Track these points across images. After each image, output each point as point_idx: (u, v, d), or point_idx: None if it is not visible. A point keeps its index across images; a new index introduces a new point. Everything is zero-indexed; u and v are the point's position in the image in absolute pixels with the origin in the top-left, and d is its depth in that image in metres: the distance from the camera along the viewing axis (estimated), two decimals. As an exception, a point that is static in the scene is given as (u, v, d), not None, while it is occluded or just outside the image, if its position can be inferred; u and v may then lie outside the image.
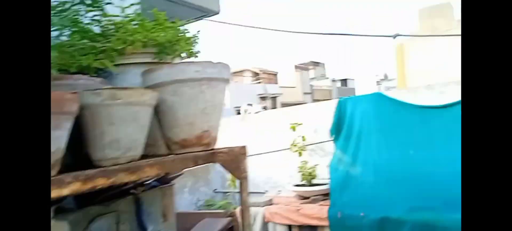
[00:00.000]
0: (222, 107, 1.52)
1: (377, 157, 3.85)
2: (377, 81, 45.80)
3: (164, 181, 1.77)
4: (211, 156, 1.44)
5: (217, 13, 4.16)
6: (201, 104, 1.39)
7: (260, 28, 3.68)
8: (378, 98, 4.26)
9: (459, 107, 3.61)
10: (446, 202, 3.07)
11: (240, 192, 1.60)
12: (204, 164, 1.43)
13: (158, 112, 1.39)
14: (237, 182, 4.68)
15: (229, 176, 5.00)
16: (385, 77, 49.18)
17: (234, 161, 1.51)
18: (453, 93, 3.79)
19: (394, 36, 2.66)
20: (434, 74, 10.16)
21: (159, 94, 1.34)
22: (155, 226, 1.59)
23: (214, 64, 1.42)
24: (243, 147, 1.57)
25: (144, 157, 1.26)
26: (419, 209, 3.17)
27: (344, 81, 40.34)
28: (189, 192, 5.20)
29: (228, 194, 5.27)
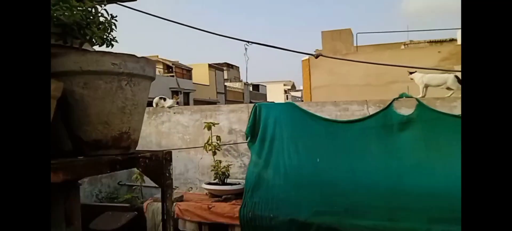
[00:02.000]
0: (144, 107, 1.38)
1: (288, 162, 4.12)
2: (285, 91, 48.71)
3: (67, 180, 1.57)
4: (131, 161, 1.30)
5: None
6: (120, 102, 1.23)
7: (180, 24, 3.50)
8: (291, 108, 4.56)
9: (360, 124, 4.10)
10: (346, 209, 3.46)
11: (162, 201, 1.47)
12: (123, 169, 1.30)
13: (63, 105, 1.19)
14: (146, 177, 4.42)
15: (136, 169, 4.74)
16: (293, 88, 52.61)
17: (158, 167, 1.38)
18: (356, 110, 4.29)
19: (317, 56, 2.90)
20: (336, 91, 11.26)
21: (65, 86, 1.16)
22: (57, 233, 1.36)
23: (137, 59, 1.26)
24: (168, 152, 1.44)
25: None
26: (324, 214, 3.49)
27: (256, 86, 41.74)
28: (88, 182, 4.77)
29: (134, 187, 4.99)
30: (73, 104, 1.18)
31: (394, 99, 4.08)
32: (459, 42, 11.94)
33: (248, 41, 3.00)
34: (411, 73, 4.91)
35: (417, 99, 4.02)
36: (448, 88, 4.57)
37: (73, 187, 1.51)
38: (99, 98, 1.19)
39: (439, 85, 4.65)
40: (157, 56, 27.19)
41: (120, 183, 5.20)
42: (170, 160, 1.43)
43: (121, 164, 1.25)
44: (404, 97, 4.10)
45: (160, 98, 5.63)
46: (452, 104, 3.96)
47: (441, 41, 14.29)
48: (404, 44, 14.74)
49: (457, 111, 3.84)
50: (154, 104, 5.47)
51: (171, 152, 1.43)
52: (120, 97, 1.23)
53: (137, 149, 1.46)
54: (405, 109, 4.03)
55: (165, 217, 1.47)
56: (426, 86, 4.66)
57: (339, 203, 3.55)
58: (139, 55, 1.30)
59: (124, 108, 1.24)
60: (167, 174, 1.42)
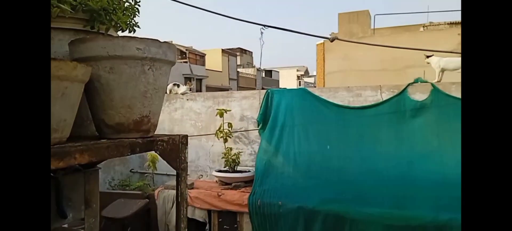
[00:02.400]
0: (164, 92, 1.42)
1: (298, 149, 4.09)
2: (298, 76, 48.30)
3: (87, 163, 1.62)
4: (150, 144, 1.32)
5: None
6: (142, 86, 1.26)
7: (190, 5, 3.40)
8: (303, 93, 4.50)
9: (372, 110, 4.01)
10: (354, 197, 3.42)
11: (177, 184, 1.51)
12: (142, 152, 1.33)
13: (89, 89, 1.23)
14: (158, 164, 4.51)
15: (148, 156, 4.81)
16: (306, 73, 52.10)
17: (174, 151, 1.41)
18: (369, 96, 4.20)
19: (332, 39, 2.81)
20: (350, 76, 11.07)
21: (93, 70, 1.19)
22: (76, 214, 1.44)
23: (160, 44, 1.29)
24: (185, 137, 1.48)
25: (70, 139, 1.12)
26: (332, 201, 3.47)
27: (268, 72, 41.51)
28: (102, 170, 4.86)
29: (146, 175, 5.07)
30: (98, 88, 1.23)
31: (408, 85, 3.97)
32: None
33: (264, 25, 2.94)
34: (428, 57, 4.74)
35: (432, 84, 3.89)
36: None
37: (93, 170, 1.58)
38: (123, 83, 1.22)
39: (456, 69, 4.48)
40: (171, 41, 27.25)
41: (132, 170, 5.29)
42: (186, 144, 1.47)
43: (141, 147, 1.27)
44: (419, 82, 3.98)
45: (174, 84, 5.64)
46: (469, 89, 3.81)
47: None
48: (423, 26, 14.29)
49: (474, 96, 3.70)
50: (167, 91, 5.49)
51: (187, 136, 1.48)
52: (143, 82, 1.26)
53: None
54: (420, 95, 3.92)
55: (179, 200, 1.50)
56: (443, 70, 4.51)
57: (348, 190, 3.52)
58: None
59: (146, 92, 1.28)
60: (183, 157, 1.45)
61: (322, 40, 13.65)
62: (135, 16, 1.51)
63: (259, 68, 36.41)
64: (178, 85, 5.45)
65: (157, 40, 1.30)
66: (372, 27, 14.80)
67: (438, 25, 14.77)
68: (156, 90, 1.32)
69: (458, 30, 11.73)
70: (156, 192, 4.19)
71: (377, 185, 3.48)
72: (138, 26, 1.50)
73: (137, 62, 1.23)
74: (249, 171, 4.25)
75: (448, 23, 14.46)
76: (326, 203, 3.44)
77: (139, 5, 1.51)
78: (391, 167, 3.65)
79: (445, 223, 3.02)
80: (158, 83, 1.32)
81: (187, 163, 1.49)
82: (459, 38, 10.15)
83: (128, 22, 1.48)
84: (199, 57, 29.27)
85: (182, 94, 5.22)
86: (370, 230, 3.25)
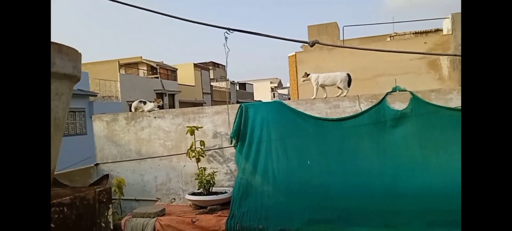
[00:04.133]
0: (61, 125, 0.93)
1: (277, 165, 3.84)
2: (272, 88, 48.50)
3: None
4: None
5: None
6: None
7: (151, 11, 2.91)
8: (279, 107, 4.28)
9: (352, 121, 3.84)
10: (340, 215, 3.20)
11: None
12: None
13: None
14: (125, 188, 3.98)
15: (114, 180, 4.40)
16: (279, 85, 52.44)
17: (86, 217, 0.91)
18: (347, 107, 4.03)
19: (312, 44, 2.62)
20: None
21: None
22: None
23: None
24: (105, 190, 0.99)
25: None
26: (316, 222, 3.23)
27: (243, 85, 41.41)
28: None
29: (113, 201, 4.63)
30: None
31: (387, 93, 3.84)
32: (444, 32, 11.85)
33: (229, 29, 2.67)
34: (307, 75, 4.73)
35: (411, 92, 3.78)
36: (338, 87, 4.42)
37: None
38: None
39: (332, 84, 4.50)
40: (141, 57, 26.58)
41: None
42: (109, 202, 0.99)
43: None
44: (397, 91, 3.86)
45: (140, 102, 5.26)
46: (447, 96, 3.74)
47: (426, 32, 14.23)
48: (390, 37, 14.66)
49: (453, 104, 3.62)
50: (132, 109, 5.11)
51: (109, 188, 1.02)
52: None
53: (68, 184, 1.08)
54: (399, 104, 3.80)
55: None
56: (322, 86, 4.51)
57: (332, 208, 3.30)
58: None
59: None
60: (103, 224, 0.94)
61: (293, 53, 13.67)
62: None
63: (233, 81, 36.22)
64: (145, 102, 5.08)
65: None
66: (341, 38, 15.05)
67: (404, 35, 15.20)
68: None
69: (423, 39, 12.07)
70: (122, 221, 3.79)
71: (362, 201, 3.28)
72: None
73: None
74: (225, 192, 3.94)
75: (413, 33, 14.91)
76: (310, 224, 3.20)
77: None
78: (375, 180, 3.47)
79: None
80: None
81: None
82: (426, 46, 10.43)
83: None
84: (171, 72, 28.68)
85: (149, 111, 4.86)
86: (358, 252, 3.03)
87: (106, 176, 4.76)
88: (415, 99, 3.70)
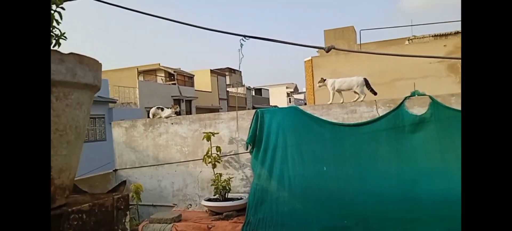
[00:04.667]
0: (81, 132, 0.93)
1: (292, 171, 3.81)
2: (288, 93, 48.34)
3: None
4: (55, 220, 0.82)
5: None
6: None
7: (165, 19, 2.95)
8: (295, 112, 4.26)
9: (369, 127, 3.78)
10: (357, 222, 3.14)
11: None
12: None
13: None
14: (143, 194, 3.99)
15: (132, 186, 4.47)
16: (295, 90, 52.24)
17: (103, 224, 0.91)
18: (364, 112, 3.97)
19: (328, 49, 2.60)
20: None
21: None
22: None
23: (61, 57, 0.82)
24: (123, 198, 0.99)
25: None
26: (333, 229, 3.18)
27: (258, 91, 41.48)
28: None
29: (130, 207, 4.70)
30: None
31: (405, 98, 3.76)
32: (465, 34, 11.53)
33: (244, 36, 2.70)
34: (323, 80, 4.69)
35: (430, 96, 3.69)
36: (355, 92, 4.34)
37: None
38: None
39: (349, 89, 4.43)
40: (159, 64, 27.05)
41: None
42: (126, 208, 1.00)
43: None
44: (416, 95, 3.77)
45: (157, 108, 5.34)
46: (469, 100, 3.63)
47: (446, 35, 13.92)
48: (408, 40, 14.40)
49: (475, 108, 3.51)
50: (150, 115, 5.20)
51: (127, 195, 1.03)
52: None
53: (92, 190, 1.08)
54: (418, 109, 3.71)
55: None
56: (339, 91, 4.45)
57: (349, 215, 3.24)
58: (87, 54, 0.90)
59: None
60: (121, 230, 0.96)
61: (309, 57, 13.60)
62: (52, 22, 1.01)
63: (249, 87, 36.32)
64: (162, 109, 5.15)
65: (54, 51, 0.86)
66: (357, 42, 14.90)
67: (422, 38, 14.89)
68: (60, 133, 0.85)
69: (443, 42, 11.78)
70: (140, 227, 3.84)
71: (380, 208, 3.21)
72: (64, 37, 1.02)
73: None
74: (241, 199, 3.94)
75: (432, 36, 14.60)
76: (327, 231, 3.14)
77: (62, 8, 1.02)
78: (393, 186, 3.39)
79: (457, 249, 2.75)
80: (64, 121, 0.86)
81: None
82: (445, 49, 10.16)
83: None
84: (188, 79, 29.05)
85: (166, 117, 4.92)
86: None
87: (124, 183, 4.84)
88: (434, 104, 3.61)
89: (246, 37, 2.60)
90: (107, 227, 0.92)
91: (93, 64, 0.93)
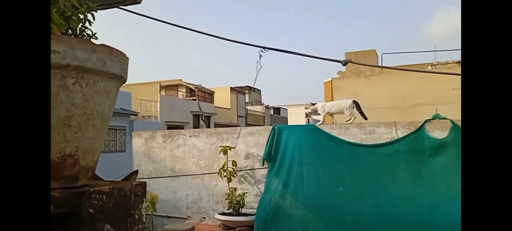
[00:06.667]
0: (106, 119, 0.99)
1: (307, 190, 3.78)
2: (307, 114, 48.18)
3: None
4: (76, 198, 0.87)
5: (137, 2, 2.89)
6: (63, 110, 0.86)
7: (187, 28, 3.09)
8: (312, 130, 4.25)
9: (387, 148, 3.73)
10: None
11: None
12: (62, 211, 0.86)
13: None
14: (158, 204, 4.02)
15: (148, 196, 4.53)
16: (314, 111, 52.00)
17: (122, 208, 0.94)
18: (383, 133, 3.93)
19: (345, 63, 2.63)
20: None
21: None
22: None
23: (93, 47, 0.88)
24: (141, 185, 1.01)
25: None
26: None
27: (277, 110, 41.53)
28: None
29: (145, 218, 4.76)
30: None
31: (426, 121, 3.70)
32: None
33: (264, 47, 2.78)
34: (313, 104, 4.90)
35: (452, 121, 3.62)
36: (348, 114, 4.46)
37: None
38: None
39: (339, 112, 4.56)
40: (181, 80, 27.64)
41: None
42: (143, 195, 1.01)
43: (59, 204, 0.82)
44: (437, 119, 3.71)
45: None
46: (493, 126, 3.53)
47: (470, 61, 13.63)
48: (432, 65, 14.19)
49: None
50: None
51: (144, 183, 1.05)
52: (64, 103, 0.86)
53: (103, 178, 1.11)
54: (439, 132, 3.64)
55: None
56: (330, 114, 4.53)
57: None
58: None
59: (70, 119, 0.87)
60: (137, 217, 0.97)
61: (329, 79, 13.57)
62: (86, 22, 1.07)
63: (267, 106, 36.42)
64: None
65: (88, 40, 0.92)
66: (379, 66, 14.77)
67: (446, 64, 14.63)
68: (88, 116, 0.90)
69: (468, 68, 11.54)
70: (153, 236, 3.88)
71: (396, 232, 3.12)
72: (95, 37, 1.08)
73: (53, 72, 0.83)
74: (254, 214, 3.92)
75: (456, 62, 14.32)
76: (340, 253, 3.08)
77: (95, 11, 1.09)
78: (411, 211, 3.31)
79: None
80: (92, 105, 0.91)
81: (144, 225, 1.05)
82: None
83: (73, 27, 1.04)
84: (208, 95, 29.50)
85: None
86: None
87: (136, 172, 4.90)
88: (456, 128, 3.54)
89: (265, 49, 2.67)
90: (125, 211, 0.95)
91: (121, 57, 0.99)
